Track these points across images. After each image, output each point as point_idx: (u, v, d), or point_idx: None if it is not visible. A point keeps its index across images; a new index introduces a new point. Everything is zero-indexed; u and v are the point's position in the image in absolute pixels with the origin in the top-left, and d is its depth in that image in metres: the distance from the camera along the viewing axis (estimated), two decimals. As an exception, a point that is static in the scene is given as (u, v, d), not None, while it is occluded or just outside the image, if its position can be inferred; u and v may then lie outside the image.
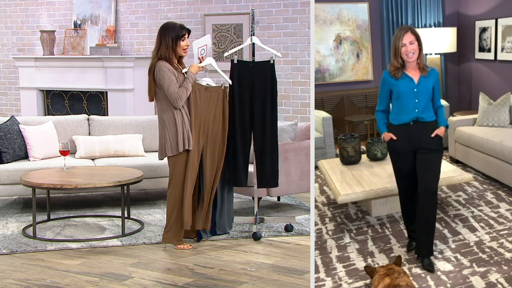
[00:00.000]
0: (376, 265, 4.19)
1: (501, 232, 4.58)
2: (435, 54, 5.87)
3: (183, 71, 5.27)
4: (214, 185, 5.43)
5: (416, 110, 4.22)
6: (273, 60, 5.53)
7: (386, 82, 4.32)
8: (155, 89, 5.19)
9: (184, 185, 5.26)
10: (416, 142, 4.25)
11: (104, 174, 5.90)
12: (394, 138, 4.32)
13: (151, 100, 5.28)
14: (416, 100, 4.21)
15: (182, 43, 5.22)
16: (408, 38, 4.15)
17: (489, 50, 5.50)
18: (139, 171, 6.00)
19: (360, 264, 4.31)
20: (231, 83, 5.50)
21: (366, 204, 5.10)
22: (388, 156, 4.56)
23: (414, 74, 4.22)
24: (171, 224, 5.30)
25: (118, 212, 6.26)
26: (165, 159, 5.39)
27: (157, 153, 6.97)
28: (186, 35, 5.25)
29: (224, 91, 5.43)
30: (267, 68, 5.52)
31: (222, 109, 5.42)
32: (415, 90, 4.20)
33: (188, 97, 5.23)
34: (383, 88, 4.36)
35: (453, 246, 4.45)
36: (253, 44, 5.69)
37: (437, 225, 4.63)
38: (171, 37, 5.17)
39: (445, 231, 4.66)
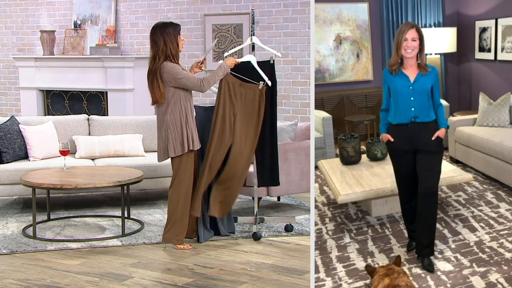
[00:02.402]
0: (376, 265, 4.19)
1: (501, 232, 4.58)
2: (435, 54, 5.87)
3: (219, 62, 5.35)
4: (238, 178, 5.42)
5: (412, 109, 4.21)
6: (273, 60, 5.52)
7: (385, 80, 4.33)
8: (164, 90, 5.16)
9: (187, 184, 5.25)
10: (415, 143, 4.25)
11: (104, 174, 5.90)
12: (392, 140, 4.32)
13: (155, 102, 5.19)
14: (412, 98, 4.20)
15: (181, 38, 5.24)
16: (411, 34, 4.15)
17: (489, 50, 5.50)
18: (139, 171, 5.99)
19: (360, 264, 4.31)
20: (270, 84, 5.44)
21: (366, 204, 5.10)
22: (388, 156, 4.57)
23: (411, 72, 4.21)
24: (172, 224, 5.29)
25: (118, 212, 6.26)
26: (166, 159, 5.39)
27: (156, 153, 6.99)
28: None
29: (262, 91, 5.40)
30: (267, 68, 5.52)
31: (258, 108, 5.39)
32: (411, 88, 4.19)
33: (219, 90, 5.31)
34: (384, 86, 4.37)
35: (453, 246, 4.45)
36: (253, 44, 5.69)
37: (437, 225, 4.63)
38: (173, 33, 5.16)
39: (445, 231, 4.66)
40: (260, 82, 5.42)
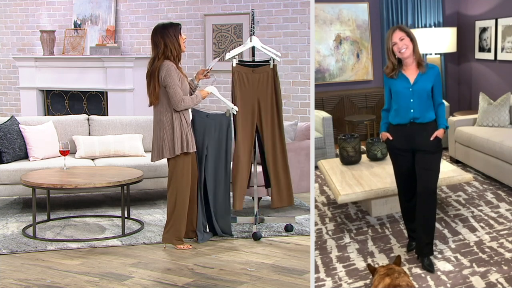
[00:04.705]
0: (376, 265, 4.18)
1: (501, 232, 4.58)
2: (435, 54, 5.87)
3: (233, 54, 5.46)
4: (277, 162, 5.59)
5: (412, 111, 4.20)
6: (273, 65, 5.53)
7: (386, 81, 4.33)
8: (159, 91, 5.16)
9: (184, 186, 5.26)
10: (414, 143, 4.24)
11: (104, 174, 5.90)
12: (390, 138, 4.32)
13: (152, 104, 5.20)
14: (411, 100, 4.19)
15: (183, 37, 5.24)
16: (397, 35, 4.14)
17: (489, 50, 5.50)
18: (139, 171, 6.00)
19: (360, 264, 4.31)
20: (279, 58, 5.59)
21: (366, 204, 5.10)
22: (388, 156, 4.57)
23: (411, 73, 4.20)
24: (171, 224, 5.30)
25: (118, 212, 6.26)
26: (163, 160, 5.40)
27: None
28: None
29: (274, 69, 5.50)
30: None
31: (273, 88, 5.50)
32: (410, 89, 4.19)
33: (232, 84, 5.45)
34: (385, 88, 4.37)
35: (453, 246, 4.45)
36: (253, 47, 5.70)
37: (437, 225, 4.63)
38: (174, 34, 5.16)
39: (445, 231, 4.66)
40: (270, 61, 5.53)
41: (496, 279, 4.03)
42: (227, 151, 5.51)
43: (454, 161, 5.59)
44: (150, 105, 5.24)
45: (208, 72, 5.47)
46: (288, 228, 5.75)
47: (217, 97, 5.45)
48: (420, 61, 4.19)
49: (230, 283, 4.55)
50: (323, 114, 5.92)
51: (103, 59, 9.00)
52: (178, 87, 5.11)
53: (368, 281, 4.11)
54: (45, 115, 9.52)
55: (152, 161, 5.33)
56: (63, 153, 5.95)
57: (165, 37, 5.14)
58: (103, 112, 9.16)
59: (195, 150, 5.29)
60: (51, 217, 6.19)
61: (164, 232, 5.35)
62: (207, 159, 5.48)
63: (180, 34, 5.21)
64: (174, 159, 5.21)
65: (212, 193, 5.55)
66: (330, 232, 4.75)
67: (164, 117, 5.18)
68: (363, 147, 5.45)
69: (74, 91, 9.40)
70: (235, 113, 5.41)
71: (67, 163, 6.25)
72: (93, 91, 9.25)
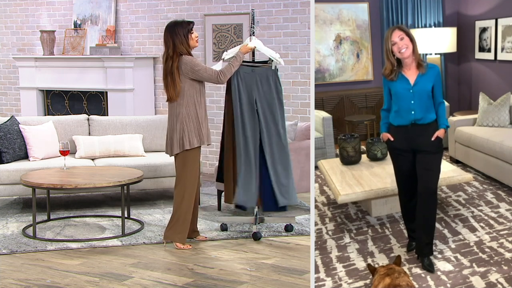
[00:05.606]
0: (376, 265, 4.18)
1: (501, 232, 4.58)
2: (435, 54, 5.87)
3: (232, 55, 5.40)
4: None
5: (413, 112, 4.19)
6: (276, 67, 5.52)
7: (385, 82, 4.32)
8: (179, 89, 5.18)
9: (192, 183, 5.25)
10: (414, 143, 4.24)
11: (104, 174, 5.90)
12: (392, 139, 4.31)
13: (173, 100, 5.21)
14: (412, 102, 4.17)
15: (193, 35, 5.25)
16: (396, 35, 4.11)
17: (489, 50, 5.50)
18: (139, 171, 5.99)
19: (360, 264, 4.31)
20: (282, 62, 5.53)
21: (366, 204, 5.10)
22: (388, 156, 4.57)
23: (410, 74, 4.18)
24: (175, 222, 5.28)
25: (118, 212, 6.26)
26: (163, 160, 5.39)
27: (156, 153, 7.00)
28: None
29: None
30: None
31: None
32: (411, 91, 4.17)
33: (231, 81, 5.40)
34: (384, 88, 4.35)
35: (453, 246, 4.45)
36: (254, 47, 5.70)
37: (437, 225, 4.63)
38: (182, 33, 5.18)
39: (445, 231, 4.66)
40: (272, 62, 5.49)
41: (496, 279, 4.03)
42: (279, 106, 5.47)
43: (454, 161, 5.60)
44: (168, 101, 5.27)
45: None
46: (288, 228, 5.75)
47: (261, 51, 5.42)
48: (420, 61, 4.17)
49: (230, 283, 4.55)
50: (323, 114, 5.93)
51: (103, 59, 8.99)
52: (208, 68, 5.21)
53: (368, 281, 4.11)
54: (45, 115, 9.52)
55: (171, 155, 5.30)
56: (63, 153, 5.95)
57: (174, 36, 5.17)
58: (103, 112, 9.15)
59: (210, 143, 5.33)
60: (51, 217, 6.19)
61: (166, 229, 5.33)
62: (259, 116, 5.45)
63: (192, 32, 5.23)
64: (183, 154, 5.20)
65: (270, 156, 5.47)
66: (330, 232, 4.75)
67: (184, 109, 5.18)
68: (363, 147, 5.45)
69: (74, 91, 9.40)
70: (278, 66, 5.39)
71: (67, 163, 6.25)
72: (93, 91, 9.25)
